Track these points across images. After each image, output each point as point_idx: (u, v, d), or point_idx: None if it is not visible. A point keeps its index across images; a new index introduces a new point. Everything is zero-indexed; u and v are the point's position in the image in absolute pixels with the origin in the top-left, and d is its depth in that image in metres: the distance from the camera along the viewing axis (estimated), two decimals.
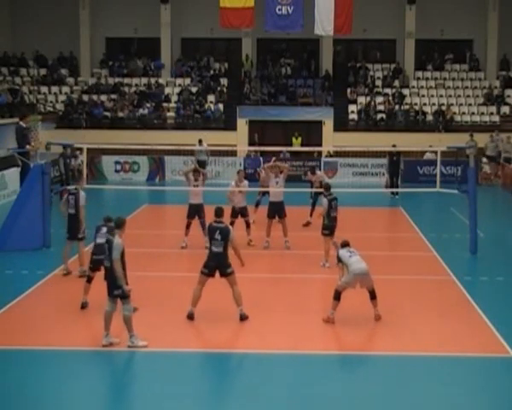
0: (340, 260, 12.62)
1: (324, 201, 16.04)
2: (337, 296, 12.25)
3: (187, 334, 11.93)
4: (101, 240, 12.61)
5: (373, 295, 12.42)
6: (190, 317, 12.31)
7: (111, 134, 31.90)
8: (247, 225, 18.05)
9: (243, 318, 12.33)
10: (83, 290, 12.98)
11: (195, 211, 17.53)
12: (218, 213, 12.50)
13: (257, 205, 20.51)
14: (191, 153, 28.70)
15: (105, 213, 13.36)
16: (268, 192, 18.71)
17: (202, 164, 26.24)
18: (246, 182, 18.09)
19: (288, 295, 14.00)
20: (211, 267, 12.24)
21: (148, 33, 37.50)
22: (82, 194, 15.11)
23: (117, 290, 11.03)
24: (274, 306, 13.26)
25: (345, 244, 12.90)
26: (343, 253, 12.58)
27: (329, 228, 15.88)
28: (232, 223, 17.84)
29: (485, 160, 30.32)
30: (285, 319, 12.58)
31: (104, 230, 12.78)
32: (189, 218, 17.58)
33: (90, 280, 12.99)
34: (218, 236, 12.19)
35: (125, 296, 11.04)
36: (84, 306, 12.92)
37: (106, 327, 11.11)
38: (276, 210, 17.72)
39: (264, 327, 12.12)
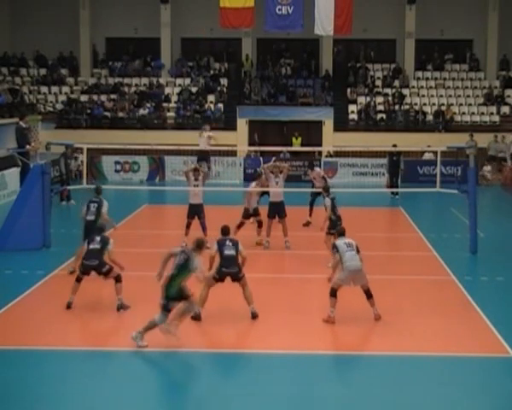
0: (336, 249, 12.40)
1: (327, 200, 16.04)
2: (333, 293, 12.18)
3: (188, 334, 11.91)
4: (93, 246, 12.65)
5: (369, 295, 12.34)
6: (196, 318, 12.14)
7: (111, 134, 31.88)
8: (259, 224, 18.00)
9: (255, 316, 12.36)
10: (70, 289, 12.83)
11: (195, 211, 17.53)
12: (225, 231, 12.65)
13: None
14: (191, 153, 28.63)
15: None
16: (267, 192, 18.73)
17: (204, 153, 25.90)
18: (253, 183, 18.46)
19: (287, 295, 13.99)
20: (223, 273, 12.27)
21: (148, 33, 37.49)
22: (105, 203, 15.18)
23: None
24: (274, 306, 13.24)
25: (341, 233, 12.81)
26: (340, 243, 12.45)
27: (336, 227, 15.80)
28: (241, 224, 17.86)
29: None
30: (285, 319, 12.57)
31: (98, 239, 12.79)
32: (189, 218, 17.57)
33: (79, 280, 12.85)
34: (229, 243, 12.41)
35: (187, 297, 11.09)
36: (69, 306, 12.72)
37: (145, 329, 10.98)
38: (277, 210, 17.71)
39: (264, 327, 12.11)
